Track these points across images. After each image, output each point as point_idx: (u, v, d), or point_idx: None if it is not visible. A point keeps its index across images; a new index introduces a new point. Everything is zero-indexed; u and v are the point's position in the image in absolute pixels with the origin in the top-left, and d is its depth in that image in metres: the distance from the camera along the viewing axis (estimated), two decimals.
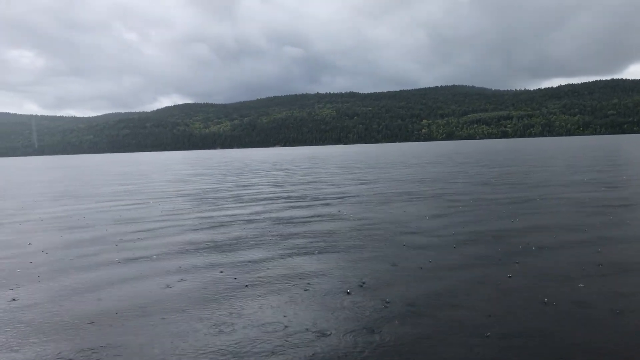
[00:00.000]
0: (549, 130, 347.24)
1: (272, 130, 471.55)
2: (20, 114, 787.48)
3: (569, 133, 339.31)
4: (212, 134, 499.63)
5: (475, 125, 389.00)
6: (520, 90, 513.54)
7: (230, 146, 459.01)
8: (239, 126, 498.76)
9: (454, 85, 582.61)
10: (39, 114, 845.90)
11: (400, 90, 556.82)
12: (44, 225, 12.39)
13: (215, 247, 8.86)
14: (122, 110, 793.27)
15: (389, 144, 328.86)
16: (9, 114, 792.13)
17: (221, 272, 7.08)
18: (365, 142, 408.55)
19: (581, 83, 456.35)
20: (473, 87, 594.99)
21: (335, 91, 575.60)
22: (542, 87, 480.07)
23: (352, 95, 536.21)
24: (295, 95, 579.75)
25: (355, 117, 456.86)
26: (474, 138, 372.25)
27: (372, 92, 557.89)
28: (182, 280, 6.74)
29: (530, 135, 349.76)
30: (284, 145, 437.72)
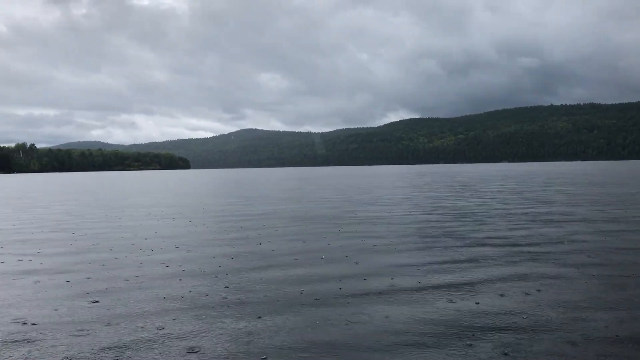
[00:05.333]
0: None
1: (499, 144, 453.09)
2: (267, 130, 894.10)
3: None
4: (436, 148, 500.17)
5: None
6: None
7: (454, 161, 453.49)
8: (464, 140, 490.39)
9: None
10: (281, 129, 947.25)
11: None
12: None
13: None
14: (352, 126, 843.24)
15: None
16: (258, 129, 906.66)
17: None
18: (607, 159, 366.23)
19: None
20: None
21: (572, 102, 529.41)
22: None
23: (592, 107, 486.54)
24: (526, 107, 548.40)
25: (595, 131, 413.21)
26: None
27: (618, 102, 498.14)
28: None
29: None
30: (511, 160, 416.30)
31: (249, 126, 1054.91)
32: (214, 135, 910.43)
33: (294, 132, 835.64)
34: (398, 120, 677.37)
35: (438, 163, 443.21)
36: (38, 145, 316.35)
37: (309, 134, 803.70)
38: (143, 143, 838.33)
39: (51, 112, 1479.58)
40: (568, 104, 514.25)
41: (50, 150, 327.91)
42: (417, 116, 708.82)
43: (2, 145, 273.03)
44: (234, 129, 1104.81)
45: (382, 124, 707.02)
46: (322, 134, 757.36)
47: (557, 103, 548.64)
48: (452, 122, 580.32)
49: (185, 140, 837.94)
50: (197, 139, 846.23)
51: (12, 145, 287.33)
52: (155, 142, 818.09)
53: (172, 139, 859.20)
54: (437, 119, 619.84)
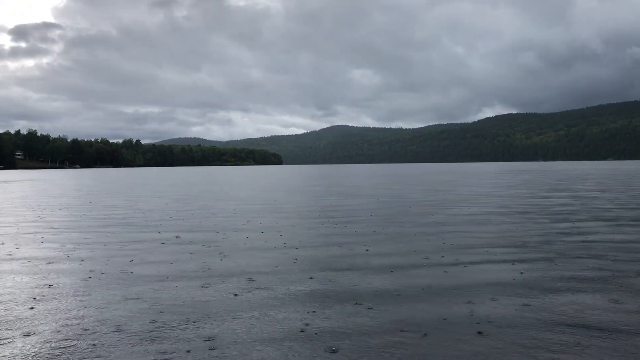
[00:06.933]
0: None
1: (604, 141, 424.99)
2: (357, 126, 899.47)
3: None
4: (534, 145, 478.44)
5: None
6: None
7: (553, 158, 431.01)
8: (565, 137, 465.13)
9: None
10: (372, 126, 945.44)
11: None
12: None
13: None
14: (446, 122, 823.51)
15: None
16: (348, 126, 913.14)
17: None
18: None
19: None
20: None
21: None
22: None
23: None
24: (636, 102, 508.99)
25: None
26: None
27: None
28: None
29: None
30: (617, 158, 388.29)
31: (340, 122, 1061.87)
32: (306, 131, 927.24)
33: (384, 129, 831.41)
34: (494, 115, 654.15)
35: (536, 160, 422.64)
36: (143, 141, 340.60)
37: (400, 129, 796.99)
38: (239, 139, 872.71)
39: (155, 110, 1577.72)
40: None
41: (154, 145, 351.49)
42: (514, 111, 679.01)
43: (112, 141, 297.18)
44: (325, 126, 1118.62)
45: (477, 119, 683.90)
46: (413, 130, 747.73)
47: None
48: (551, 118, 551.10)
49: (278, 136, 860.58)
50: (289, 136, 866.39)
51: (120, 141, 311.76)
52: (250, 139, 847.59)
53: (265, 136, 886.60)
54: (535, 114, 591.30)
